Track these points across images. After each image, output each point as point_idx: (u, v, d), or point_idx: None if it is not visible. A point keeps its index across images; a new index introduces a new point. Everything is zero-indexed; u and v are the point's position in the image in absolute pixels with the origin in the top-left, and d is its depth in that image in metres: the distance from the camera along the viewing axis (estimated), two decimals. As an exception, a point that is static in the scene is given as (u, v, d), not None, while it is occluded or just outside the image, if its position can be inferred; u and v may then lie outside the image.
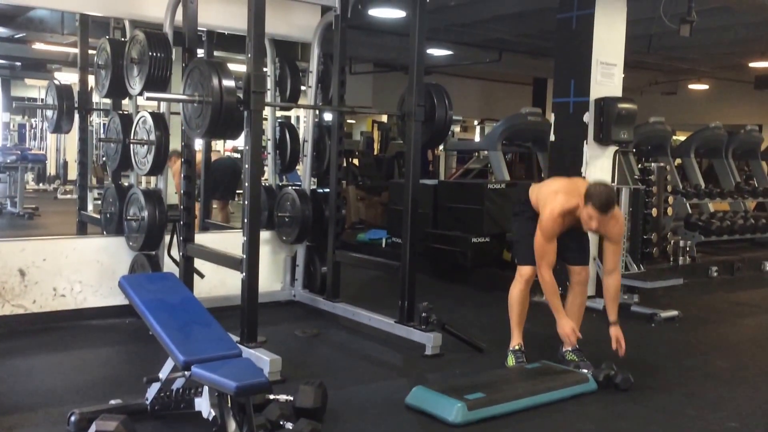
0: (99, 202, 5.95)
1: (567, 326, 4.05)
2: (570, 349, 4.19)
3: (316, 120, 5.63)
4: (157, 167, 4.72)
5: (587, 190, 3.91)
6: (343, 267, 5.34)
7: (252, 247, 3.93)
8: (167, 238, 4.89)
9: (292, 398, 3.21)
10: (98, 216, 5.65)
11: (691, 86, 15.30)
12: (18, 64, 13.43)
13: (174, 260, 4.83)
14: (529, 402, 3.57)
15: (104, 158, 7.07)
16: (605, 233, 4.10)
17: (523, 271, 4.16)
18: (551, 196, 4.03)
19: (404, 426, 3.38)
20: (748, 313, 6.12)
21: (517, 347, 4.21)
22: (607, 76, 5.91)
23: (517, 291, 4.19)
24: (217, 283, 5.07)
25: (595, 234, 4.24)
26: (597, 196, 3.85)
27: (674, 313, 5.59)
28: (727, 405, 3.79)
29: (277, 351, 3.92)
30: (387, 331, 4.68)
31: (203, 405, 3.05)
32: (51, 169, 14.87)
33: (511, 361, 4.16)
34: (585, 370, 3.98)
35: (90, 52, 5.85)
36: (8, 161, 10.40)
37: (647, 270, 6.13)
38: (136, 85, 4.73)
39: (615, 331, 4.10)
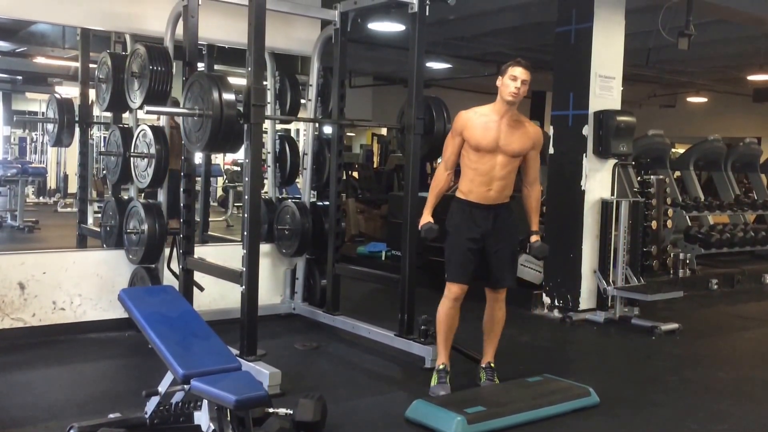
0: (99, 215, 5.95)
1: (422, 221, 4.00)
2: (483, 366, 4.06)
3: (316, 133, 5.64)
4: (157, 180, 4.73)
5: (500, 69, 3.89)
6: (342, 280, 5.34)
7: (252, 260, 3.93)
8: (167, 251, 4.89)
9: (291, 412, 3.20)
10: (98, 229, 5.65)
11: (690, 99, 15.35)
12: (19, 77, 13.48)
13: (174, 273, 4.82)
14: (529, 416, 3.55)
15: (104, 171, 7.08)
16: (514, 136, 3.89)
17: (452, 289, 3.93)
18: None
19: (404, 440, 3.37)
20: (748, 326, 6.11)
21: (441, 367, 3.96)
22: (605, 89, 5.93)
23: (444, 309, 3.95)
24: (217, 296, 5.06)
25: (521, 142, 3.90)
26: (510, 61, 3.83)
27: (675, 326, 5.58)
28: (728, 418, 3.78)
29: (276, 364, 3.91)
30: (387, 344, 4.67)
31: (202, 419, 3.03)
32: (51, 183, 14.88)
33: (434, 380, 3.93)
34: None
35: (91, 66, 5.87)
36: (9, 175, 10.40)
37: (647, 283, 6.12)
38: (136, 98, 4.74)
39: (535, 238, 4.06)
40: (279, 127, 6.26)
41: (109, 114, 5.75)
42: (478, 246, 3.93)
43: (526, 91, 3.85)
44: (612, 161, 5.98)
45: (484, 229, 3.93)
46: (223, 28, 5.18)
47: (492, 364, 4.06)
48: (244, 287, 3.94)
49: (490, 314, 4.05)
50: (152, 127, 4.72)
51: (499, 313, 4.04)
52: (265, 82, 4.40)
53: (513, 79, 3.79)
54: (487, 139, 3.86)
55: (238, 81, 4.94)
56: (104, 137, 9.02)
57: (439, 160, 4.28)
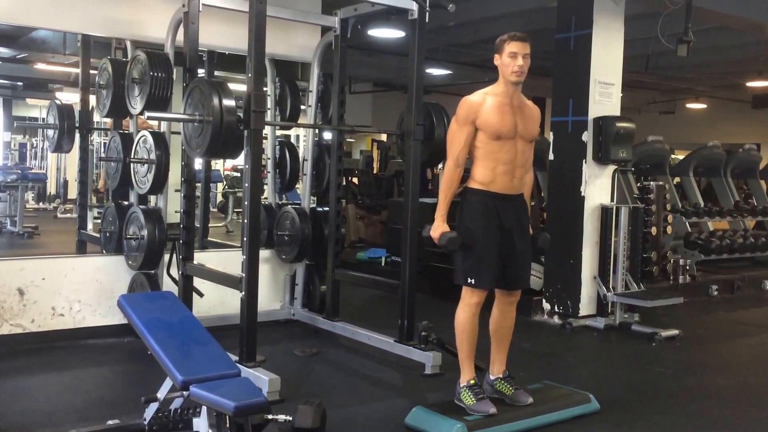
0: (99, 221, 5.95)
1: (438, 230, 3.50)
2: (501, 377, 3.71)
3: (316, 139, 5.65)
4: (157, 186, 4.73)
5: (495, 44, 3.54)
6: (342, 286, 5.34)
7: (251, 266, 3.93)
8: (166, 256, 4.89)
9: (290, 418, 3.19)
10: (98, 235, 5.65)
11: (689, 105, 15.39)
12: (20, 83, 13.48)
13: (173, 279, 4.82)
14: (530, 423, 3.54)
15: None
16: (527, 119, 3.57)
17: (478, 295, 3.53)
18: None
19: (404, 446, 3.36)
20: (748, 332, 6.10)
21: (472, 382, 3.58)
22: (605, 96, 5.94)
23: (468, 317, 3.55)
24: (217, 302, 5.06)
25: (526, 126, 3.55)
26: (507, 34, 3.50)
27: (675, 332, 5.57)
28: (728, 425, 3.77)
29: (276, 370, 3.90)
30: (386, 350, 4.66)
31: (201, 425, 3.02)
32: (51, 188, 14.87)
33: (469, 399, 3.52)
34: (527, 399, 3.61)
35: (91, 72, 5.88)
36: (9, 180, 10.40)
37: (647, 289, 6.12)
38: (137, 104, 4.75)
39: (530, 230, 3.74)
40: (279, 132, 6.27)
41: (109, 120, 5.76)
42: (501, 243, 3.55)
43: (529, 64, 3.50)
44: (611, 167, 5.98)
45: (508, 224, 3.56)
46: (224, 35, 5.19)
47: (508, 374, 3.75)
48: (243, 293, 3.94)
49: (500, 319, 3.70)
50: (152, 133, 4.73)
51: (511, 317, 3.72)
52: (265, 88, 4.39)
53: (513, 57, 3.45)
54: (506, 125, 3.49)
55: (239, 87, 4.94)
56: (104, 143, 9.03)
57: (440, 166, 4.17)
